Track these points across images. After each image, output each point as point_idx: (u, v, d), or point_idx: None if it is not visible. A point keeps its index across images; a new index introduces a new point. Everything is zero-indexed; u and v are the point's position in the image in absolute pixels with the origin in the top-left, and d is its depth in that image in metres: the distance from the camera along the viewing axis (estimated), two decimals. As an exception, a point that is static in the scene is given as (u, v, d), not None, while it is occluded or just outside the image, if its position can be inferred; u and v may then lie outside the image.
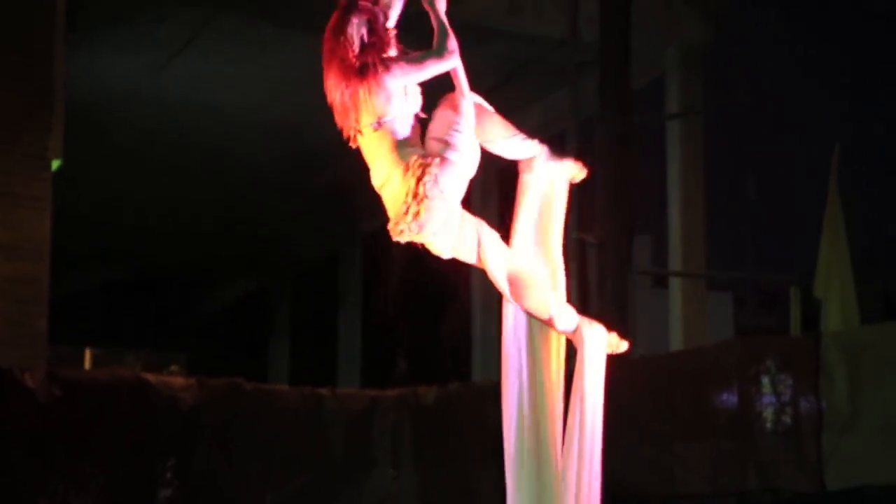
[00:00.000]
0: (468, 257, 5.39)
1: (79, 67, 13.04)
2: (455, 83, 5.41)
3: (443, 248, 5.32)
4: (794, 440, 8.81)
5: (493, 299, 17.71)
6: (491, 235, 5.42)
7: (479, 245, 5.36)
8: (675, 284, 14.08)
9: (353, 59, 5.25)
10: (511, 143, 5.58)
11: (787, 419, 8.83)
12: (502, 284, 5.46)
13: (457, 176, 5.27)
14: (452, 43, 5.30)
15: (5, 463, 8.87)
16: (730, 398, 9.11)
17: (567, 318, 5.57)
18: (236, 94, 14.89)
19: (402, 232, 5.24)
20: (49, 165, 10.72)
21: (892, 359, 8.49)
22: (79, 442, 9.10)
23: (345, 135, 5.36)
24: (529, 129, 18.49)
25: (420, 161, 5.22)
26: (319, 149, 14.92)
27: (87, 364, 15.62)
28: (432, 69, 5.29)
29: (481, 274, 17.87)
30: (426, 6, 5.34)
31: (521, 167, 5.68)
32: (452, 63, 5.31)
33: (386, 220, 5.40)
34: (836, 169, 9.90)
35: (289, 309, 21.68)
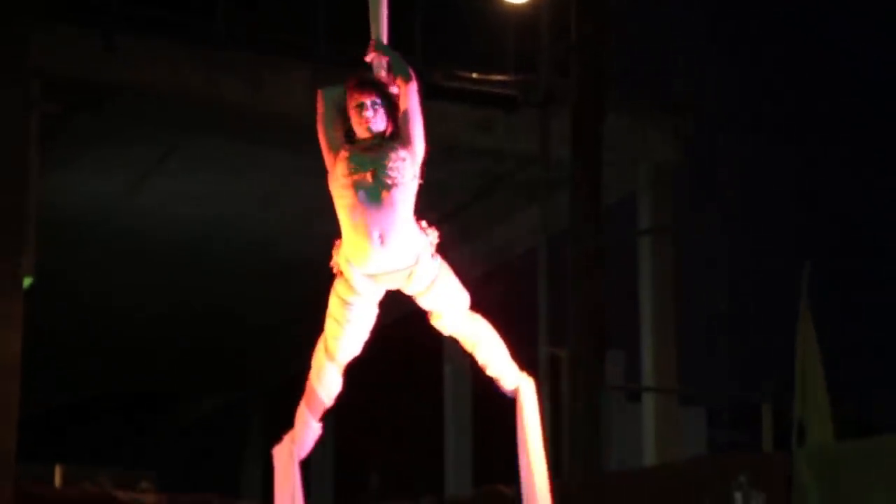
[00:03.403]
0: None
1: (52, 185, 13.09)
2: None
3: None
4: (766, 557, 8.77)
5: (466, 414, 17.59)
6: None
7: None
8: (648, 399, 14.08)
9: None
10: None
11: (759, 536, 8.80)
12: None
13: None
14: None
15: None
16: (702, 514, 9.08)
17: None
18: (209, 211, 14.95)
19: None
20: (21, 283, 10.71)
21: (864, 476, 8.49)
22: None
23: None
24: (499, 245, 18.49)
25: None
26: (293, 262, 14.97)
27: (58, 481, 15.47)
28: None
29: (454, 388, 17.65)
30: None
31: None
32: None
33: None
34: (807, 286, 9.95)
35: (262, 423, 21.55)
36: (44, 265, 11.17)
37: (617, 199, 14.11)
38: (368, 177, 5.21)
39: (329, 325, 5.54)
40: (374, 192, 5.21)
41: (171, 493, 9.80)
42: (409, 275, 5.32)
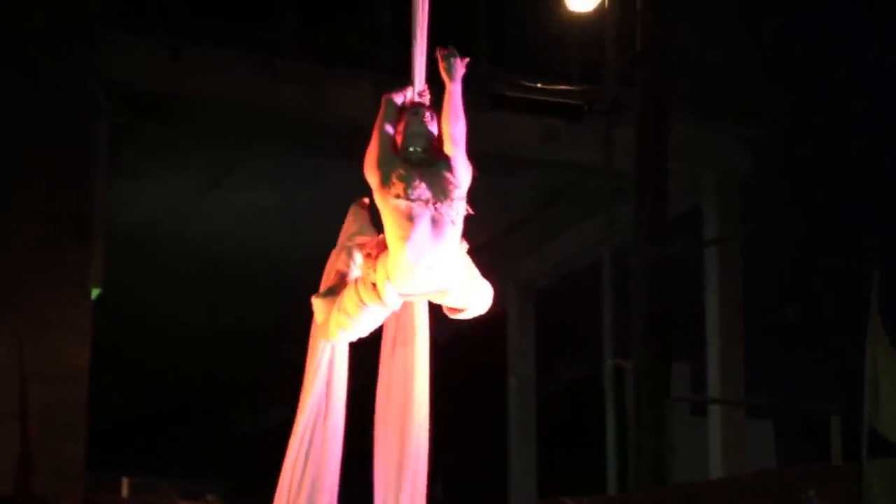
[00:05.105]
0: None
1: (120, 196, 13.19)
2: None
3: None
4: (836, 572, 8.66)
5: (530, 425, 17.46)
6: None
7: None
8: (714, 412, 13.97)
9: None
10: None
11: (828, 550, 8.69)
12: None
13: None
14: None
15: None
16: (770, 528, 8.98)
17: None
18: (275, 224, 15.00)
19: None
20: (89, 294, 10.80)
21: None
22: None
23: None
24: (564, 256, 18.35)
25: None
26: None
27: (125, 492, 15.55)
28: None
29: (519, 399, 17.49)
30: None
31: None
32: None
33: None
34: (877, 296, 9.83)
35: (326, 435, 21.54)
36: (111, 276, 11.24)
37: (683, 210, 14.02)
38: (432, 207, 5.11)
39: (338, 317, 5.48)
40: (436, 226, 5.10)
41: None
42: (443, 293, 5.27)
